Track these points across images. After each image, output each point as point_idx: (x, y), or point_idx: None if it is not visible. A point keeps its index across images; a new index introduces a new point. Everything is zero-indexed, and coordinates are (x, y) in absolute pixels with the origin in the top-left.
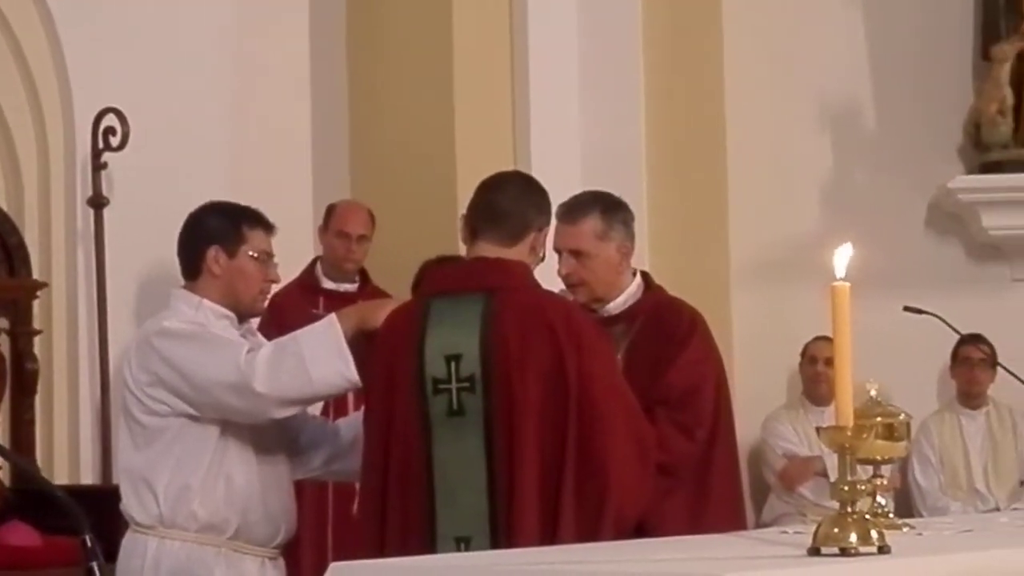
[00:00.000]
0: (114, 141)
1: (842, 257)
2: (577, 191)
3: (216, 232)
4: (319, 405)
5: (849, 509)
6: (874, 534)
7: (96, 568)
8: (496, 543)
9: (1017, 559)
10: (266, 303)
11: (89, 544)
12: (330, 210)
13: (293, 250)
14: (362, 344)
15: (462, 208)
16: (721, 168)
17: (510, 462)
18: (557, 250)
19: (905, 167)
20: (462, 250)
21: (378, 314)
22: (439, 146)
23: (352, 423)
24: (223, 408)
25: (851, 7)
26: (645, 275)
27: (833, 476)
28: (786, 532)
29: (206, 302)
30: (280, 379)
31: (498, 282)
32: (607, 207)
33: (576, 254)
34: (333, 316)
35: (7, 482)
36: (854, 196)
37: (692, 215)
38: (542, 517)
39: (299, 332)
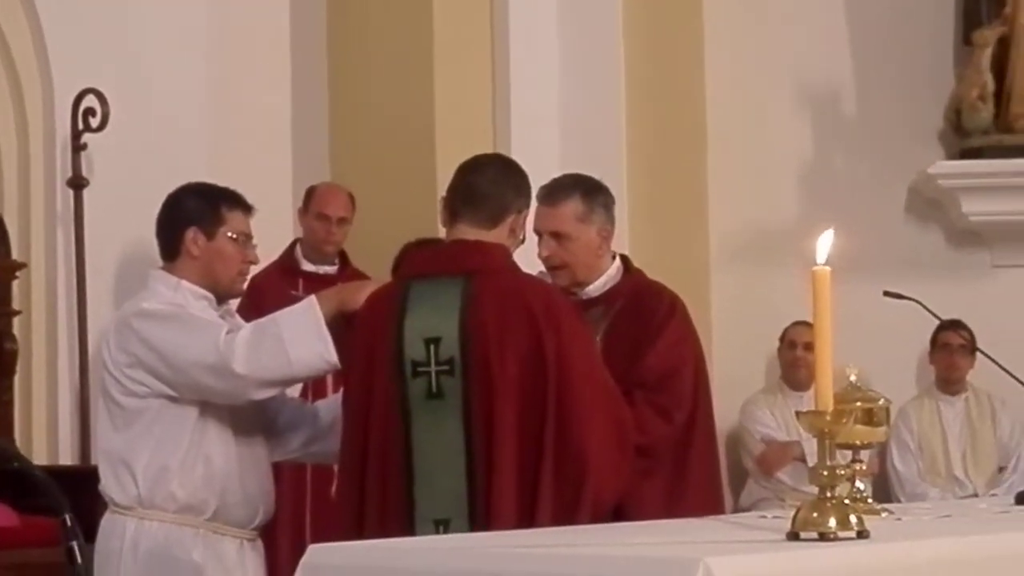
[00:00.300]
0: (94, 122)
1: (824, 242)
2: (556, 174)
3: (195, 213)
4: (298, 387)
5: (828, 494)
6: (853, 519)
7: (76, 548)
8: (475, 526)
9: (996, 544)
10: (245, 285)
11: (69, 524)
12: (310, 192)
13: (272, 232)
14: (341, 326)
15: (442, 191)
16: (701, 152)
17: (488, 445)
18: (537, 232)
19: (885, 152)
20: (442, 233)
21: (358, 296)
22: (419, 128)
23: (331, 405)
24: (202, 389)
25: None
26: (624, 258)
27: (811, 461)
28: (765, 517)
29: (184, 283)
30: (260, 360)
31: (477, 265)
32: (588, 190)
33: (556, 236)
34: (313, 298)
35: None
36: (834, 181)
37: (672, 198)
38: (520, 500)
39: (279, 313)
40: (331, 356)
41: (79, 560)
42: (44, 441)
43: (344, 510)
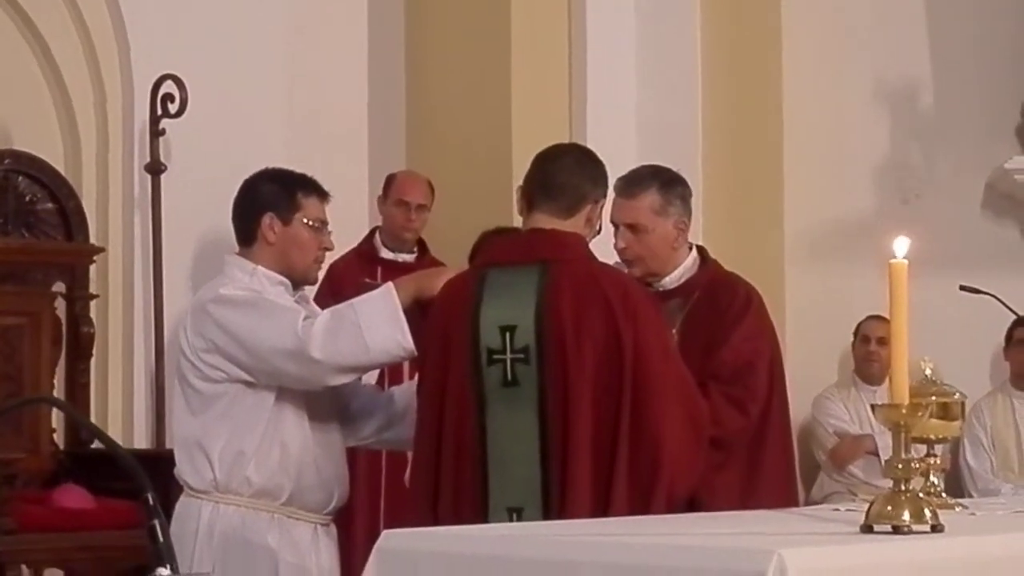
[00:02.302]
0: (172, 108)
1: (901, 243)
2: (632, 165)
3: (271, 199)
4: (374, 373)
5: (903, 487)
6: (927, 513)
7: (158, 526)
8: (548, 514)
9: None
10: (320, 271)
11: (151, 503)
12: (390, 179)
13: (347, 219)
14: (418, 313)
15: (518, 180)
16: (777, 145)
17: (563, 434)
18: (614, 224)
19: (962, 147)
20: (518, 221)
21: (435, 283)
22: (495, 117)
23: (406, 391)
24: (279, 375)
25: None
26: (701, 250)
27: (884, 455)
28: (838, 509)
29: (261, 269)
30: (337, 346)
31: (554, 254)
32: (665, 182)
33: (633, 228)
34: (390, 284)
35: (61, 445)
36: (911, 176)
37: (747, 192)
38: (594, 489)
39: (356, 300)
40: (408, 343)
41: (161, 539)
42: (119, 425)
43: (418, 496)
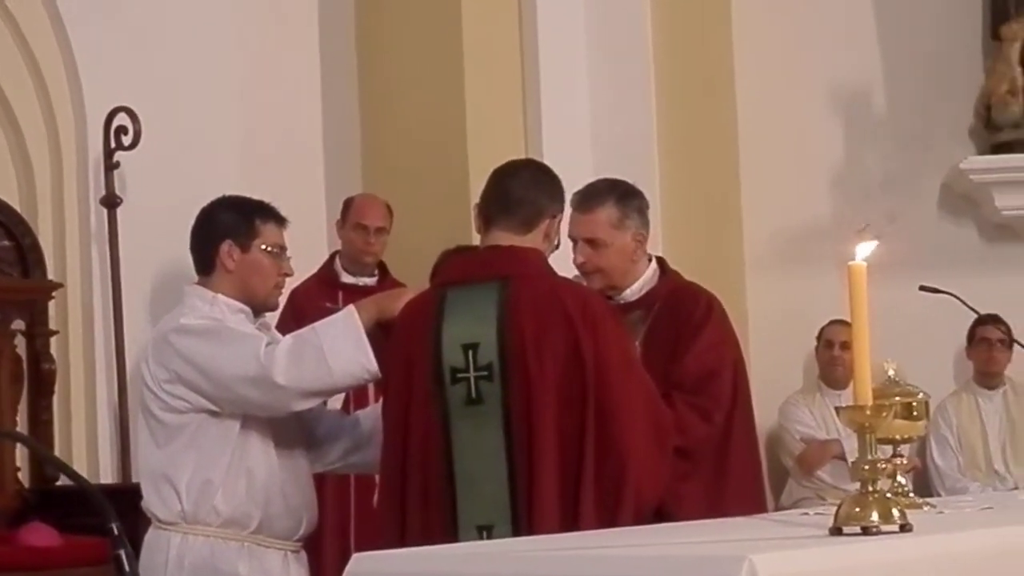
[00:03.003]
0: (126, 140)
1: (864, 247)
2: (589, 179)
3: (229, 227)
4: (339, 397)
5: (870, 488)
6: (896, 513)
7: (124, 556)
8: (518, 531)
9: None
10: (280, 297)
11: (116, 532)
12: (348, 204)
13: (306, 245)
14: (380, 335)
15: (475, 198)
16: (733, 153)
17: (529, 449)
18: (572, 238)
19: (917, 149)
20: (478, 239)
21: (396, 304)
22: (451, 137)
23: (371, 414)
24: (244, 402)
25: None
26: (661, 260)
27: (851, 459)
28: (807, 513)
29: (221, 297)
30: (300, 371)
31: (513, 270)
32: (622, 195)
33: (591, 243)
34: (352, 307)
35: (26, 482)
36: (866, 179)
37: (705, 201)
38: (562, 503)
39: (318, 324)
40: (372, 365)
41: (127, 569)
42: (84, 460)
43: (386, 518)
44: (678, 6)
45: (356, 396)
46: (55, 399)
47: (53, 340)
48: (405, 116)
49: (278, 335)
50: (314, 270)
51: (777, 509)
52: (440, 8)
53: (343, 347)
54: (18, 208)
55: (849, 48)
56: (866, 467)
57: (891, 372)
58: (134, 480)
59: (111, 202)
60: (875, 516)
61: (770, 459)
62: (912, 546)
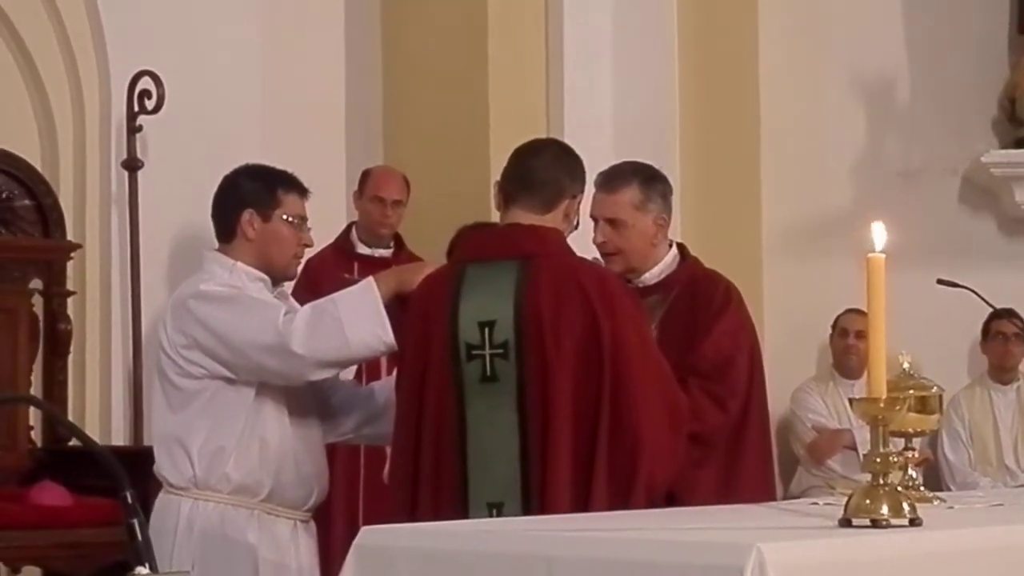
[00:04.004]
0: (149, 104)
1: (879, 233)
2: (610, 161)
3: (251, 195)
4: (352, 369)
5: (881, 481)
6: (906, 506)
7: (137, 524)
8: (528, 509)
9: None
10: (300, 267)
11: (129, 500)
12: (365, 175)
13: (326, 215)
14: (398, 308)
15: (496, 175)
16: (754, 140)
17: (543, 429)
18: (594, 218)
19: (939, 140)
20: (495, 217)
21: (415, 278)
22: (473, 112)
23: (385, 387)
24: (260, 370)
25: None
26: (681, 246)
27: (862, 449)
28: (816, 503)
29: (240, 265)
30: (317, 341)
31: (532, 249)
32: (646, 178)
33: (613, 223)
34: (371, 279)
35: (39, 442)
36: (887, 169)
37: (725, 187)
38: (574, 484)
39: (337, 295)
40: (388, 337)
41: (140, 536)
42: (97, 422)
43: (397, 493)
44: None
45: (369, 368)
46: (70, 360)
47: (70, 301)
48: (428, 89)
49: (296, 304)
50: (331, 240)
51: (786, 497)
52: None
53: (361, 318)
54: (40, 168)
55: (874, 37)
56: (878, 460)
57: (906, 365)
58: (146, 443)
59: (132, 165)
60: (885, 509)
61: (781, 446)
62: (921, 540)
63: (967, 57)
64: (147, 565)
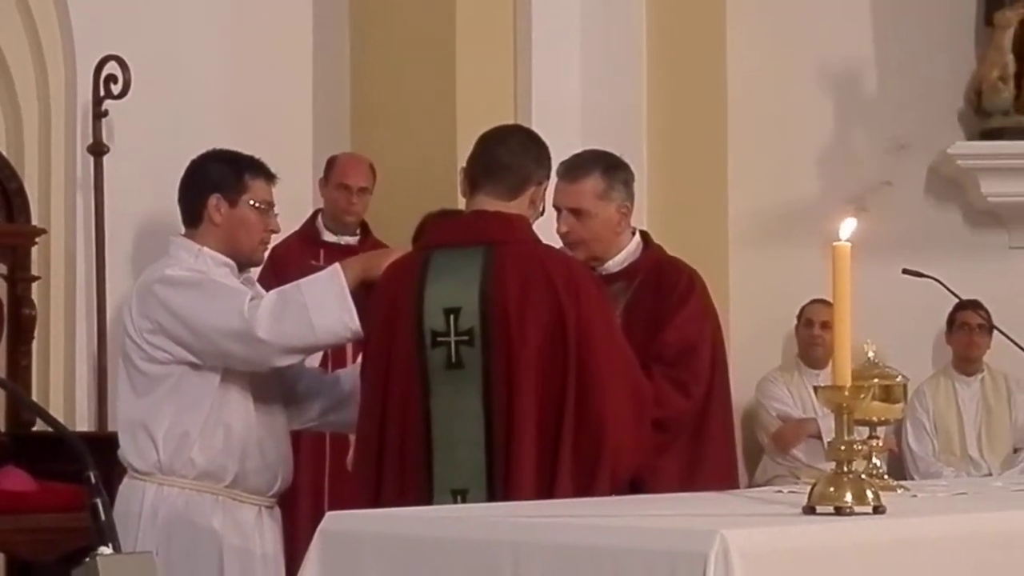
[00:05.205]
0: (115, 89)
1: (847, 225)
2: (576, 149)
3: (218, 180)
4: (318, 356)
5: (845, 469)
6: (869, 494)
7: (100, 505)
8: (493, 496)
9: (1012, 521)
10: (266, 253)
11: (93, 481)
12: (331, 162)
13: (292, 202)
14: (363, 294)
15: (462, 162)
16: (721, 130)
17: (508, 416)
18: (557, 208)
19: (905, 132)
20: (462, 204)
21: (381, 264)
22: (440, 100)
23: (350, 374)
24: (225, 355)
25: None
26: (644, 234)
27: (827, 438)
28: (780, 491)
29: (206, 250)
30: (283, 327)
31: (498, 235)
32: (609, 167)
33: (576, 212)
34: (337, 266)
35: (2, 427)
36: (853, 161)
37: (692, 176)
38: (539, 471)
39: (303, 281)
40: (355, 324)
41: (103, 517)
42: (61, 407)
43: (361, 479)
44: None
45: (335, 355)
46: (34, 345)
47: (35, 286)
48: (396, 75)
49: (262, 291)
50: (299, 227)
51: (751, 486)
52: None
53: (327, 305)
54: (5, 153)
55: (841, 28)
56: (842, 447)
57: (871, 354)
58: (110, 428)
59: (98, 150)
60: (849, 497)
61: (746, 436)
62: (885, 528)
63: (934, 49)
64: (110, 545)
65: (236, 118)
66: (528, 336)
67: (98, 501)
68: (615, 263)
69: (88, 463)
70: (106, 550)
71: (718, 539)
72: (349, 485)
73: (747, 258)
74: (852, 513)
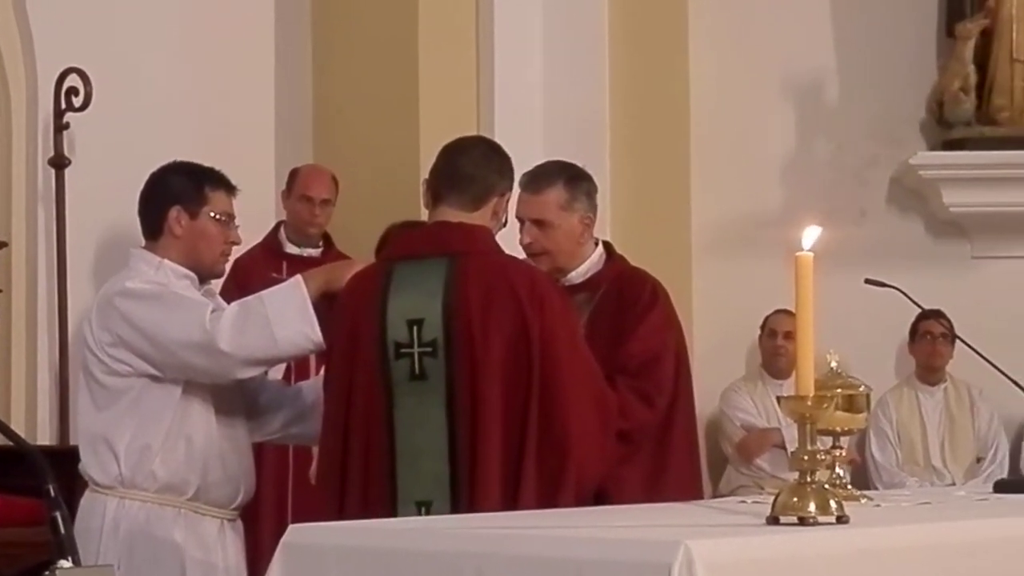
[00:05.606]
0: (76, 101)
1: (810, 234)
2: (540, 159)
3: (178, 192)
4: (281, 368)
5: (808, 479)
6: (833, 504)
7: (59, 518)
8: (457, 508)
9: (974, 530)
10: (227, 265)
11: (53, 494)
12: (293, 174)
13: (255, 214)
14: (325, 306)
15: (425, 173)
16: (684, 140)
17: (472, 427)
18: (520, 219)
19: (868, 142)
20: (425, 215)
21: (343, 275)
22: (403, 110)
23: (313, 386)
24: (187, 368)
25: None
26: (607, 245)
27: (791, 448)
28: (744, 501)
29: (167, 262)
30: (245, 339)
31: (461, 247)
32: (571, 177)
33: (539, 223)
34: (299, 277)
35: None
36: (816, 170)
37: (655, 186)
38: (503, 482)
39: (265, 292)
40: (316, 336)
41: (63, 531)
42: (23, 420)
43: (325, 491)
44: None
45: (298, 367)
46: None
47: None
48: (358, 87)
49: (223, 303)
50: (260, 239)
51: (715, 496)
52: None
53: (289, 316)
54: None
55: (804, 38)
56: (805, 457)
57: (834, 364)
58: (73, 442)
59: (59, 163)
60: (812, 507)
61: (710, 446)
62: (848, 538)
63: (896, 59)
64: (70, 559)
65: (198, 130)
66: (491, 347)
67: (58, 514)
68: (578, 274)
69: (47, 475)
70: (66, 564)
71: (682, 550)
72: (313, 497)
73: (710, 268)
74: (816, 523)
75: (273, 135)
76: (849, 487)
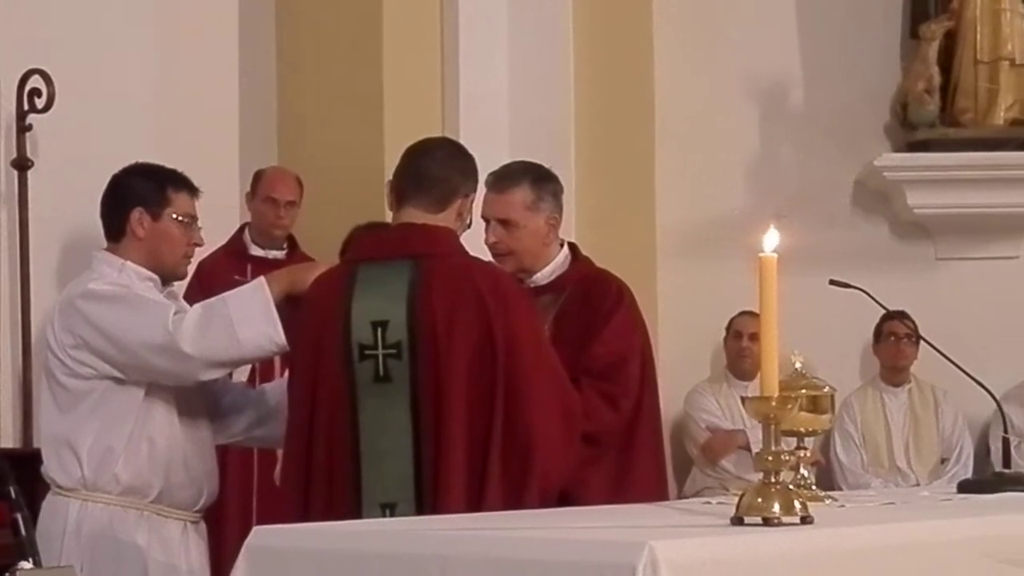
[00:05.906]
0: (39, 103)
1: (771, 238)
2: (505, 160)
3: (140, 194)
4: (245, 369)
5: (773, 479)
6: (797, 505)
7: (20, 520)
8: (421, 509)
9: (938, 530)
10: (189, 267)
11: (13, 496)
12: (258, 176)
13: (218, 215)
14: (289, 308)
15: (390, 175)
16: (649, 142)
17: (436, 429)
18: (485, 218)
19: (832, 144)
20: (390, 217)
21: (307, 277)
22: (367, 112)
23: (277, 388)
24: (150, 370)
25: None
26: (573, 246)
27: (756, 449)
28: (709, 502)
29: (129, 264)
30: (208, 341)
31: (425, 248)
32: (537, 178)
33: (504, 223)
34: (262, 279)
35: None
36: (781, 172)
37: (620, 188)
38: (468, 484)
39: (228, 294)
40: (279, 338)
41: (24, 532)
42: None
43: (290, 493)
44: None
45: (263, 369)
46: None
47: None
48: (322, 89)
49: (185, 305)
50: (225, 241)
51: (680, 497)
52: None
53: (252, 318)
54: None
55: (768, 41)
56: (769, 458)
57: (798, 364)
58: (36, 445)
59: (22, 165)
60: (777, 507)
61: (675, 447)
62: (812, 538)
63: (861, 62)
64: (31, 560)
65: (162, 132)
66: (456, 349)
67: (18, 516)
68: (543, 275)
69: (8, 478)
70: (27, 565)
71: (646, 550)
72: (277, 500)
73: (675, 270)
74: (780, 524)
75: (237, 137)
76: (813, 488)
